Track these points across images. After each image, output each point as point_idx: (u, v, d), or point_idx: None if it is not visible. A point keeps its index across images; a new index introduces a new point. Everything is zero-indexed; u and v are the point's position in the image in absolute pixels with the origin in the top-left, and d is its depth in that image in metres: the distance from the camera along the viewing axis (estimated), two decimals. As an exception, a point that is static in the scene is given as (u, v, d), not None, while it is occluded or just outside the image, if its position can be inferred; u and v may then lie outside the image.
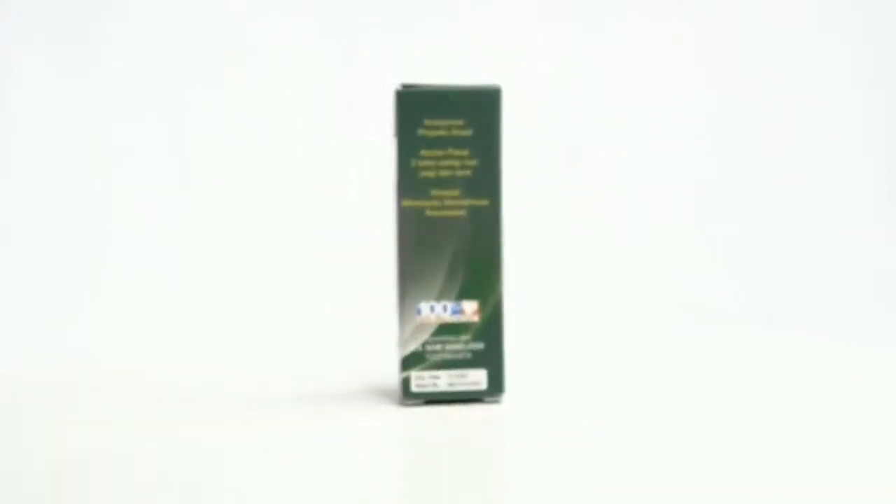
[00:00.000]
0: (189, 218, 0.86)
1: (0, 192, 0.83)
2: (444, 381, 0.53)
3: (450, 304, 0.53)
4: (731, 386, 0.59)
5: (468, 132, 0.53)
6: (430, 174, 0.53)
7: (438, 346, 0.53)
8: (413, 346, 0.53)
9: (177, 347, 0.73)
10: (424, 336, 0.53)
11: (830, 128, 0.93)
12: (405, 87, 0.53)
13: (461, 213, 0.53)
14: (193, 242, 0.85)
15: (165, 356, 0.70)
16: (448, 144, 0.53)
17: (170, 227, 0.86)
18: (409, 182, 0.53)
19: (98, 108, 0.87)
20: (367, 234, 0.73)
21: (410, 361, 0.53)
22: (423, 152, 0.53)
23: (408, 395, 0.53)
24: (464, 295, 0.53)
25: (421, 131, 0.53)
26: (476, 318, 0.53)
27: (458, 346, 0.53)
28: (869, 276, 0.86)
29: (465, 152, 0.53)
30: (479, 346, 0.53)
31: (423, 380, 0.53)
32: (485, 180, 0.53)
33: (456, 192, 0.53)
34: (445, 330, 0.53)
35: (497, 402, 0.54)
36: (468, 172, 0.53)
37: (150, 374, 0.64)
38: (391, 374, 0.58)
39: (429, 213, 0.53)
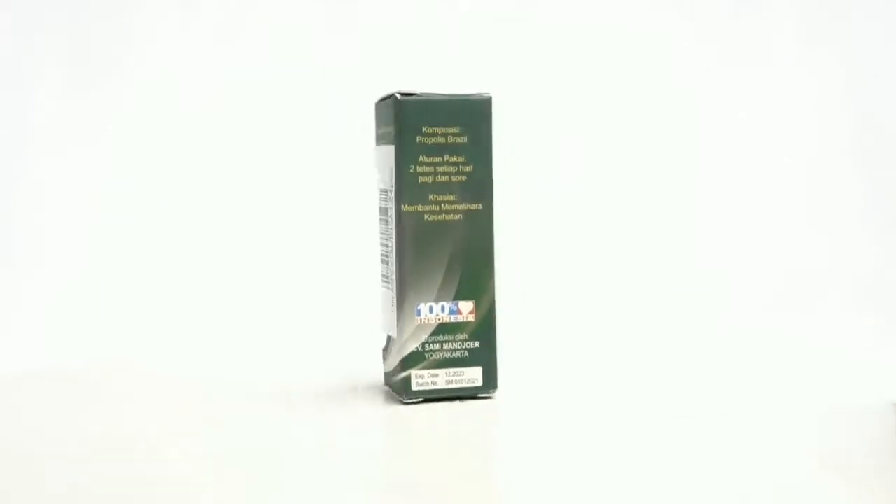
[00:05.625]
0: (186, 221, 0.86)
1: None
2: (443, 379, 0.55)
3: (447, 305, 0.55)
4: (721, 385, 0.59)
5: (464, 139, 0.55)
6: (428, 180, 0.55)
7: (437, 346, 0.55)
8: (413, 346, 0.55)
9: (178, 346, 0.72)
10: (424, 336, 0.55)
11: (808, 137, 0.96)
12: (402, 94, 0.54)
13: (457, 216, 0.55)
14: (193, 245, 0.85)
15: (167, 354, 0.71)
16: (445, 151, 0.55)
17: (170, 230, 0.85)
18: (408, 188, 0.54)
19: (95, 119, 0.85)
20: (368, 239, 0.74)
21: (410, 361, 0.55)
22: (422, 158, 0.54)
23: (408, 394, 0.55)
24: (460, 295, 0.55)
25: (419, 138, 0.54)
26: (472, 318, 0.55)
27: (456, 344, 0.55)
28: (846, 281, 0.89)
29: (461, 158, 0.55)
30: (475, 344, 0.55)
31: (422, 378, 0.55)
32: (479, 185, 0.55)
33: (452, 197, 0.55)
34: (444, 329, 0.55)
35: (489, 397, 0.56)
36: (463, 178, 0.55)
37: (150, 373, 0.64)
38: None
39: (427, 217, 0.55)
